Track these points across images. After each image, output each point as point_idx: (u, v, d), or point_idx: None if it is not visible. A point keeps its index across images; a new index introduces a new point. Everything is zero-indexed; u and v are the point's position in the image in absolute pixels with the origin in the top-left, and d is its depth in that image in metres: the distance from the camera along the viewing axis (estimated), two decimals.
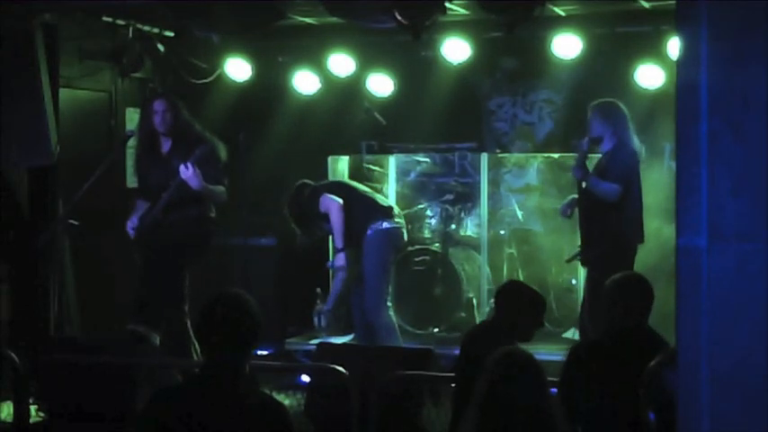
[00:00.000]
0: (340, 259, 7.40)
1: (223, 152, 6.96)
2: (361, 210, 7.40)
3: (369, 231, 7.31)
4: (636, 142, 6.84)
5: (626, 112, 6.89)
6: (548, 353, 6.87)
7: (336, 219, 7.35)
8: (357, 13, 6.86)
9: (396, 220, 7.41)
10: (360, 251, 7.37)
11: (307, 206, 7.49)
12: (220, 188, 6.92)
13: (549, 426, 3.58)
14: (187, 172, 6.65)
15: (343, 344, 7.63)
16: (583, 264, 6.94)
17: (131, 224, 6.91)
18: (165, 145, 6.97)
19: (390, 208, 7.50)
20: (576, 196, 6.89)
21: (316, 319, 8.04)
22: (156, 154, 6.98)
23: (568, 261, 7.20)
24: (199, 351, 5.46)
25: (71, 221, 6.86)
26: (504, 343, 4.26)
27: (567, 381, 4.54)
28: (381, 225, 7.33)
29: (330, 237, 7.75)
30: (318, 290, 8.30)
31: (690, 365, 2.10)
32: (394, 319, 7.37)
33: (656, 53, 7.58)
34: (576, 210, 6.89)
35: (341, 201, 7.38)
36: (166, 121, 6.90)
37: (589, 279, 6.70)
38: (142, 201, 7.07)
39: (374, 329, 7.34)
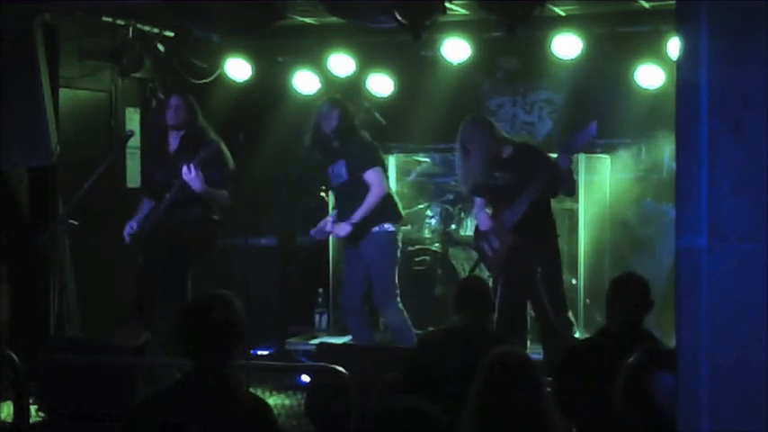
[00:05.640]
0: (343, 229, 7.11)
1: (230, 159, 6.96)
2: (382, 203, 7.14)
3: (376, 228, 7.12)
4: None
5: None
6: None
7: (374, 201, 7.05)
8: (357, 13, 6.86)
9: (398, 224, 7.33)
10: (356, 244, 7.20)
11: (351, 138, 7.15)
12: (223, 193, 6.92)
13: (545, 425, 3.58)
14: (189, 174, 6.65)
15: (344, 344, 7.62)
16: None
17: (129, 229, 6.91)
18: (173, 144, 6.98)
19: (401, 215, 7.37)
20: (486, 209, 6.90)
21: (317, 318, 8.02)
22: (163, 153, 6.98)
23: (471, 272, 7.24)
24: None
25: (71, 221, 6.87)
26: (480, 344, 4.31)
27: (563, 380, 4.55)
28: (390, 226, 7.17)
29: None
30: (320, 290, 8.30)
31: (690, 365, 2.10)
32: (406, 315, 7.22)
33: (656, 53, 7.57)
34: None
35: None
36: (179, 116, 6.90)
37: (542, 273, 6.62)
38: (147, 199, 7.07)
39: (390, 328, 7.34)
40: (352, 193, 7.15)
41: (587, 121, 6.82)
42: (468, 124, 6.79)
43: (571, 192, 6.89)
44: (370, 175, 7.10)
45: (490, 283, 6.63)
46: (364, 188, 7.11)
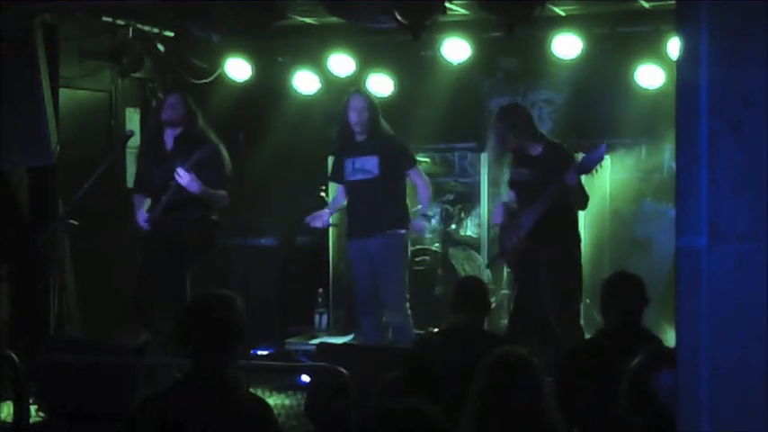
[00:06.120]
0: (419, 225, 7.35)
1: (228, 160, 6.94)
2: (404, 207, 7.35)
3: (389, 231, 7.12)
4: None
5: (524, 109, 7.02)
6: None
7: (430, 194, 7.37)
8: (357, 13, 6.86)
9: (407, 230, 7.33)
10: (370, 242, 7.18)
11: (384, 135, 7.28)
12: (222, 193, 6.90)
13: (546, 426, 3.58)
14: (182, 180, 6.63)
15: (344, 344, 7.63)
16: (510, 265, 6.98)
17: (143, 216, 6.89)
18: (168, 143, 6.96)
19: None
20: (508, 202, 6.84)
21: (317, 318, 8.02)
22: (160, 152, 6.96)
23: (489, 266, 7.20)
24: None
25: (71, 221, 6.87)
26: (480, 344, 4.31)
27: (563, 380, 4.54)
28: (402, 231, 7.20)
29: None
30: (320, 290, 8.30)
31: (690, 365, 2.09)
32: (410, 319, 7.22)
33: (656, 53, 7.58)
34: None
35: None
36: (176, 111, 6.88)
37: (548, 282, 6.52)
38: (140, 197, 7.06)
39: (390, 328, 7.35)
40: (379, 189, 7.14)
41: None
42: (498, 111, 6.86)
43: (581, 207, 6.81)
44: (417, 173, 7.33)
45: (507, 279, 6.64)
46: (398, 185, 7.24)
